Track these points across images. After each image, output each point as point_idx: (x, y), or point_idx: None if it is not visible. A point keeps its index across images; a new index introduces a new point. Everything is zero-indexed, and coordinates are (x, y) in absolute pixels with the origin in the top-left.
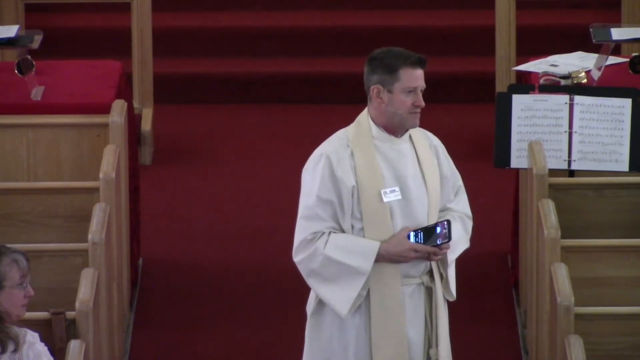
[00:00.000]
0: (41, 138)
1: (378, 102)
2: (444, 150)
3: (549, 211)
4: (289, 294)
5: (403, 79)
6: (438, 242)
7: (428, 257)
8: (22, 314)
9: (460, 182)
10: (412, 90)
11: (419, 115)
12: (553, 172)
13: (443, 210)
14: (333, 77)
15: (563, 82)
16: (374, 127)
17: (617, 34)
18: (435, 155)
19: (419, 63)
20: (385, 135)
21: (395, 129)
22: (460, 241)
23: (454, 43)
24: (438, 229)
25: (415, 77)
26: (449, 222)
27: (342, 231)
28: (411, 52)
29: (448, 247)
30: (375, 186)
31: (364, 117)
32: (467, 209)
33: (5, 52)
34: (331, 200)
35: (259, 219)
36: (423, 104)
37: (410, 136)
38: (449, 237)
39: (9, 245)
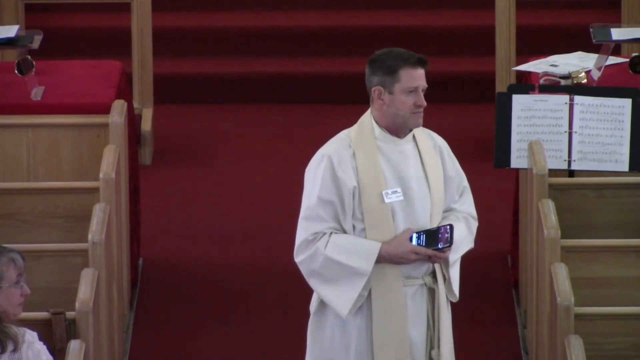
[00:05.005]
0: (41, 138)
1: (380, 104)
2: (449, 151)
3: (549, 211)
4: (289, 294)
5: (403, 79)
6: (439, 246)
7: (429, 259)
8: (19, 313)
9: (465, 182)
10: (413, 91)
11: (421, 115)
12: (553, 172)
13: (447, 210)
14: (333, 77)
15: (563, 82)
16: (376, 128)
17: (617, 34)
18: (439, 155)
19: (419, 63)
20: (388, 136)
21: (398, 129)
22: (464, 241)
23: (454, 43)
24: (440, 233)
25: (415, 77)
26: (451, 226)
27: (344, 232)
28: (411, 52)
29: (449, 251)
30: (376, 187)
31: (366, 118)
32: (472, 210)
33: (5, 52)
34: (332, 200)
35: (259, 219)
36: (425, 103)
37: (414, 137)
38: (450, 241)
39: (5, 245)
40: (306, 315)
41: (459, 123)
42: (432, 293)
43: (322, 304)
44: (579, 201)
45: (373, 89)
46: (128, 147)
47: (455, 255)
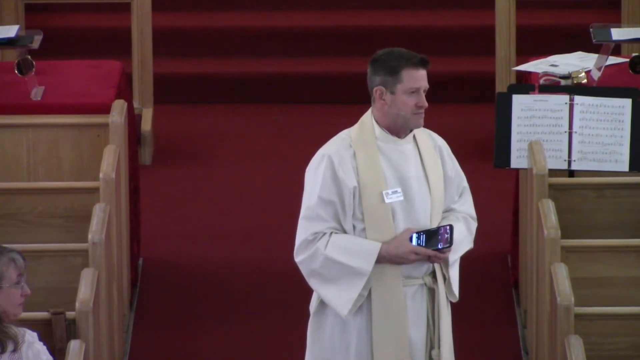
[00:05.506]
0: (41, 138)
1: (381, 104)
2: (449, 151)
3: (549, 211)
4: (289, 294)
5: (405, 80)
6: (439, 247)
7: (429, 259)
8: (19, 313)
9: (465, 183)
10: (414, 91)
11: (422, 115)
12: (553, 172)
13: (447, 210)
14: (333, 77)
15: (563, 82)
16: (377, 128)
17: (617, 34)
18: (439, 156)
19: (421, 64)
20: (388, 136)
21: (399, 129)
22: (463, 242)
23: (454, 43)
24: (440, 233)
25: (417, 78)
26: (451, 227)
27: (344, 231)
28: (413, 52)
29: (449, 252)
30: (377, 187)
31: (367, 117)
32: (471, 210)
33: (5, 52)
34: (332, 200)
35: (259, 219)
36: (426, 104)
37: (414, 137)
38: (450, 242)
39: (5, 245)
40: (306, 315)
41: (459, 123)
42: (432, 293)
43: (322, 304)
44: (579, 201)
45: (375, 89)
46: (128, 147)
47: (454, 256)
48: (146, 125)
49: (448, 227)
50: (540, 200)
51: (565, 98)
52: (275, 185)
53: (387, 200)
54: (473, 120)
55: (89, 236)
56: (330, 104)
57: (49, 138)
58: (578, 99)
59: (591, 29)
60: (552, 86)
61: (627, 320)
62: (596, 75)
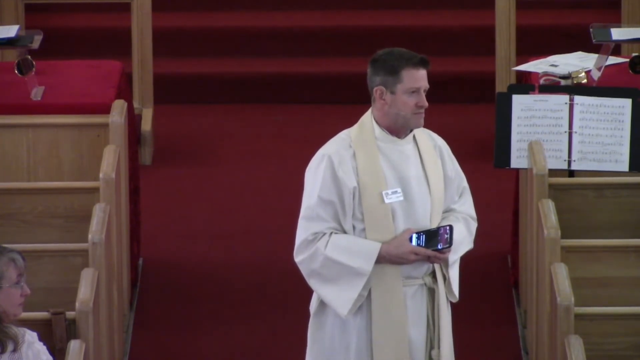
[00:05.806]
0: (41, 138)
1: (381, 104)
2: (449, 151)
3: (549, 211)
4: (289, 294)
5: (405, 80)
6: (439, 247)
7: (429, 259)
8: (19, 314)
9: (465, 183)
10: (415, 91)
11: (423, 115)
12: (553, 172)
13: (447, 211)
14: (333, 77)
15: (563, 82)
16: (377, 128)
17: (617, 34)
18: (439, 156)
19: (422, 63)
20: (388, 136)
21: (399, 130)
22: (463, 242)
23: (454, 43)
24: (440, 234)
25: (417, 78)
26: (451, 227)
27: (344, 231)
28: (413, 52)
29: (449, 252)
30: (376, 187)
31: (367, 118)
32: (471, 210)
33: (5, 52)
34: (332, 200)
35: (259, 219)
36: (426, 104)
37: (414, 137)
38: (450, 242)
39: (5, 245)
40: (306, 315)
41: (459, 123)
42: (432, 293)
43: (323, 304)
44: (579, 201)
45: (375, 88)
46: (128, 147)
47: (454, 256)
48: (146, 125)
49: (448, 228)
50: (540, 200)
51: (565, 98)
52: (275, 185)
53: (387, 201)
54: (473, 120)
55: (89, 236)
56: (330, 104)
57: (49, 138)
58: (578, 99)
59: (591, 29)
60: (552, 86)
61: (627, 320)
62: (596, 75)
